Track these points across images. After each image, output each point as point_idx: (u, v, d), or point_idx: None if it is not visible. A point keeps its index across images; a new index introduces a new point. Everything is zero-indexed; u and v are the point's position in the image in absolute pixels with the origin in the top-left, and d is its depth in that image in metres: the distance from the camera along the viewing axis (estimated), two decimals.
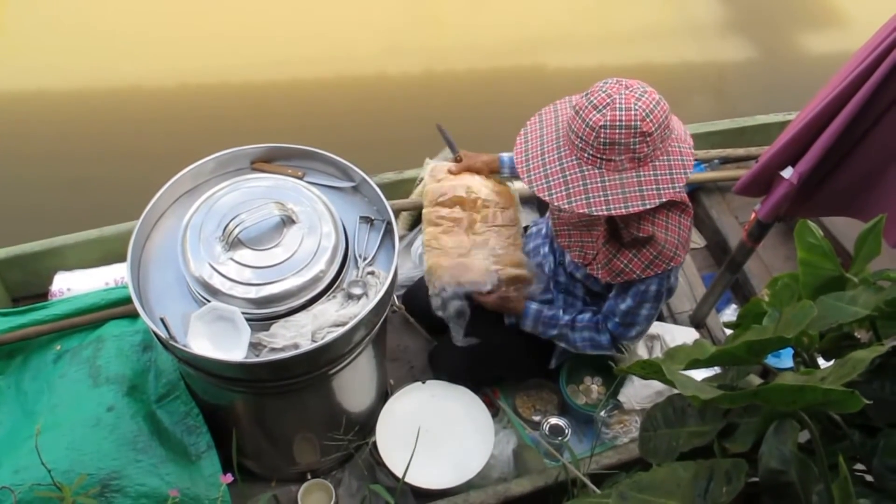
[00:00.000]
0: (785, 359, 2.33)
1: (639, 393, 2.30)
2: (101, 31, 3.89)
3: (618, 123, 1.69)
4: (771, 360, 2.34)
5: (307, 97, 3.81)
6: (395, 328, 2.63)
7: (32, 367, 2.17)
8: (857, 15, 4.40)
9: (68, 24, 3.93)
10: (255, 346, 1.71)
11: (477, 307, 2.16)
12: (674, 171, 1.77)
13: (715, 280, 2.44)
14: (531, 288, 2.21)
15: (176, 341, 1.67)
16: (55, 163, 3.39)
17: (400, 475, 1.94)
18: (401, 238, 2.27)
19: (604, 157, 1.73)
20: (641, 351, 2.34)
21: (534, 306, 2.17)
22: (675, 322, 2.67)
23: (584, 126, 1.72)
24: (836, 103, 1.76)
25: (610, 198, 1.75)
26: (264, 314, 1.73)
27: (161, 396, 2.11)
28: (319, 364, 1.79)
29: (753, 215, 2.08)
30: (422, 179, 2.74)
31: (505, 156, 2.30)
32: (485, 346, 2.27)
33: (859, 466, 1.03)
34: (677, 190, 1.79)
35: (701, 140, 3.05)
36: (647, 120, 1.69)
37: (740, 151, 3.07)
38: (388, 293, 1.83)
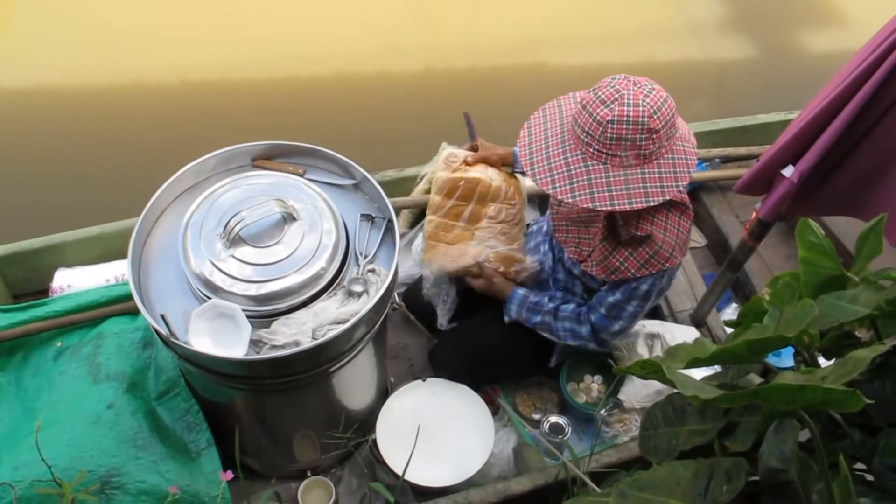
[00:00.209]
0: (786, 358, 2.33)
1: (639, 392, 2.30)
2: (102, 28, 3.89)
3: (625, 119, 1.69)
4: (772, 359, 2.34)
5: (308, 95, 3.81)
6: (395, 326, 2.63)
7: (33, 364, 2.17)
8: (858, 14, 4.40)
9: (69, 20, 3.93)
10: (255, 344, 1.72)
11: (469, 295, 2.21)
12: (678, 169, 1.77)
13: (716, 279, 2.44)
14: (524, 275, 2.25)
15: (176, 338, 1.67)
16: (56, 160, 3.39)
17: (400, 473, 1.94)
18: (401, 236, 2.27)
19: (609, 152, 1.73)
20: (642, 350, 2.34)
21: (521, 291, 2.19)
22: (676, 321, 2.67)
23: (590, 120, 1.72)
24: (838, 102, 1.76)
25: (614, 193, 1.75)
26: (265, 311, 1.73)
27: (161, 393, 2.11)
28: (320, 361, 1.79)
29: (754, 214, 2.08)
30: (423, 176, 2.76)
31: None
32: (485, 345, 2.28)
33: (860, 466, 1.03)
34: (681, 188, 1.79)
35: (702, 139, 3.04)
36: (655, 117, 1.69)
37: (741, 150, 3.07)
38: (389, 291, 1.83)
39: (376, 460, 2.24)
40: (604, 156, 1.74)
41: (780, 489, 0.98)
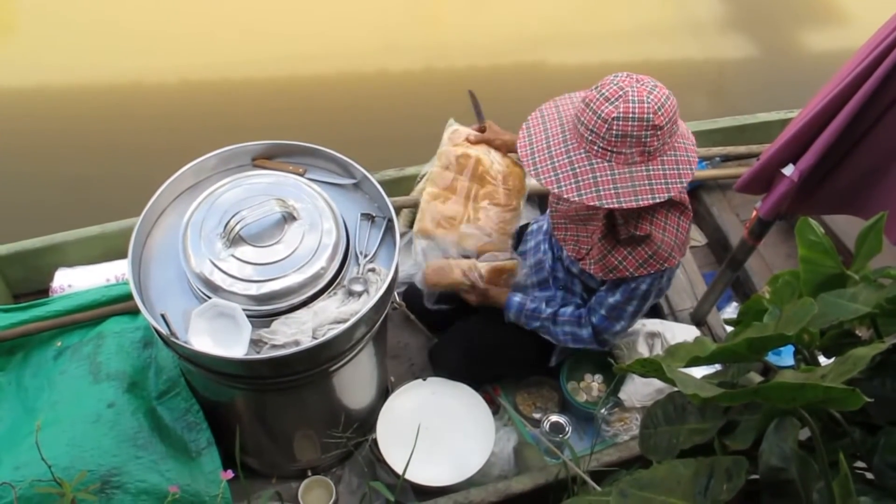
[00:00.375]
0: (786, 356, 2.33)
1: (639, 390, 2.30)
2: (102, 28, 3.89)
3: (630, 115, 1.69)
4: (772, 358, 2.35)
5: (308, 94, 3.81)
6: (395, 325, 2.63)
7: (33, 364, 2.18)
8: (858, 12, 4.40)
9: (68, 20, 3.93)
10: (255, 343, 1.72)
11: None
12: (681, 166, 1.77)
13: (716, 278, 2.44)
14: (517, 278, 2.27)
15: (177, 338, 1.67)
16: (56, 159, 3.38)
17: (400, 472, 1.94)
18: (402, 235, 2.28)
19: (614, 149, 1.73)
20: (642, 348, 2.34)
21: (516, 299, 2.19)
22: (676, 319, 2.67)
23: (595, 118, 1.72)
24: (838, 101, 1.76)
25: (620, 191, 1.75)
26: (265, 311, 1.73)
27: (161, 393, 2.11)
28: (320, 361, 1.79)
29: (754, 213, 2.08)
30: (423, 175, 2.76)
31: None
32: (485, 344, 2.28)
33: (860, 464, 1.03)
34: (684, 185, 1.79)
35: (702, 137, 3.04)
36: (659, 113, 1.70)
37: (741, 149, 3.06)
38: (389, 290, 1.83)
39: (377, 459, 2.24)
40: (609, 153, 1.74)
41: (780, 488, 0.98)
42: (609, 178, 1.75)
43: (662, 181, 1.75)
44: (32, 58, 3.77)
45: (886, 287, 1.07)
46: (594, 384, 2.41)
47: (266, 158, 2.06)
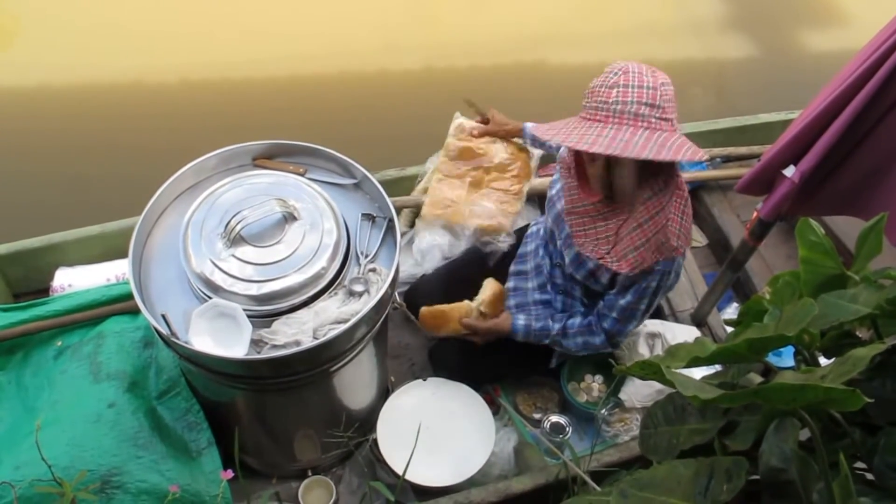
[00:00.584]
0: (786, 357, 2.33)
1: (640, 391, 2.30)
2: (102, 28, 3.89)
3: (662, 80, 1.72)
4: (772, 359, 2.34)
5: (309, 94, 3.81)
6: (396, 325, 2.63)
7: (33, 363, 2.18)
8: (859, 13, 4.40)
9: (68, 19, 3.93)
10: (256, 343, 1.72)
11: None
12: (687, 142, 1.73)
13: (716, 279, 2.44)
14: (501, 245, 2.41)
15: (177, 338, 1.67)
16: (57, 159, 3.39)
17: (400, 472, 1.94)
18: (402, 235, 2.30)
19: (665, 117, 1.70)
20: (643, 349, 2.34)
21: (521, 322, 2.18)
22: (677, 320, 2.67)
23: (645, 89, 1.69)
24: (839, 102, 1.76)
25: (674, 147, 1.68)
26: (266, 311, 1.73)
27: (162, 393, 2.11)
28: (321, 361, 1.79)
29: (755, 214, 2.08)
30: (423, 175, 2.78)
31: (529, 125, 2.44)
32: (485, 344, 2.27)
33: (860, 465, 1.03)
34: (699, 155, 1.72)
35: (703, 138, 3.04)
36: (666, 85, 1.72)
37: (742, 150, 3.06)
38: (390, 290, 1.83)
39: (377, 459, 2.24)
40: (662, 122, 1.69)
41: (780, 488, 0.98)
42: (643, 140, 1.67)
43: (688, 145, 1.70)
44: (33, 57, 3.77)
45: (886, 288, 1.07)
46: (594, 384, 2.41)
47: (266, 158, 2.06)
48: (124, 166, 3.26)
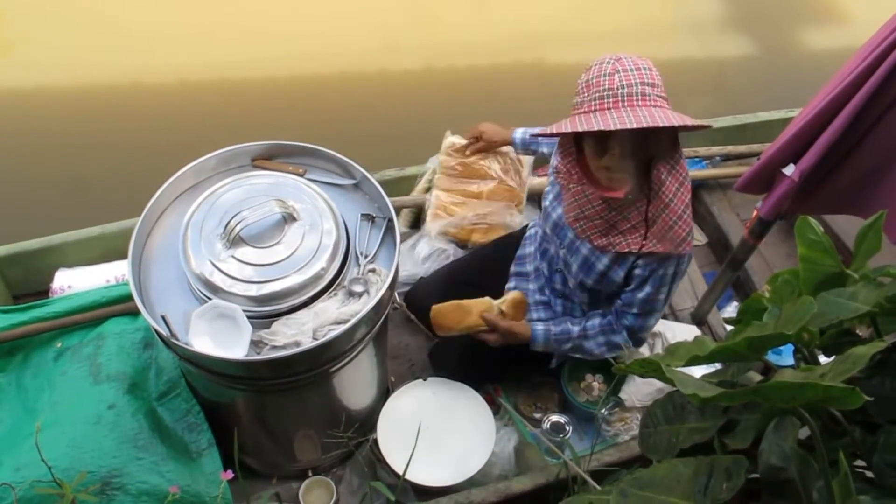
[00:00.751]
0: (786, 356, 2.33)
1: (640, 390, 2.30)
2: (102, 28, 3.89)
3: (643, 67, 1.70)
4: (772, 357, 2.35)
5: (308, 94, 3.81)
6: (395, 326, 2.63)
7: (33, 365, 2.18)
8: (858, 11, 4.40)
9: (68, 20, 3.93)
10: (256, 344, 1.72)
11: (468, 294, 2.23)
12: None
13: (716, 277, 2.44)
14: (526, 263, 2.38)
15: (177, 339, 1.67)
16: (56, 160, 3.39)
17: (401, 472, 1.94)
18: (402, 236, 2.30)
19: (663, 94, 1.71)
20: (643, 348, 2.34)
21: (539, 327, 2.14)
22: (677, 319, 2.67)
23: (639, 72, 1.68)
24: (839, 101, 1.76)
25: (676, 117, 1.64)
26: (265, 312, 1.73)
27: (162, 394, 2.11)
28: (320, 362, 1.79)
29: (755, 213, 2.08)
30: (423, 175, 2.79)
31: (518, 132, 2.48)
32: (485, 344, 2.27)
33: (860, 463, 1.03)
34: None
35: (702, 137, 3.04)
36: (654, 67, 1.71)
37: (742, 148, 3.07)
38: (389, 291, 1.83)
39: (377, 460, 2.24)
40: (662, 99, 1.70)
41: (780, 487, 0.98)
42: (650, 114, 1.65)
43: (688, 117, 1.67)
44: (32, 58, 3.77)
45: (886, 286, 1.07)
46: (595, 384, 2.41)
47: (266, 159, 2.06)
48: (124, 167, 3.26)
